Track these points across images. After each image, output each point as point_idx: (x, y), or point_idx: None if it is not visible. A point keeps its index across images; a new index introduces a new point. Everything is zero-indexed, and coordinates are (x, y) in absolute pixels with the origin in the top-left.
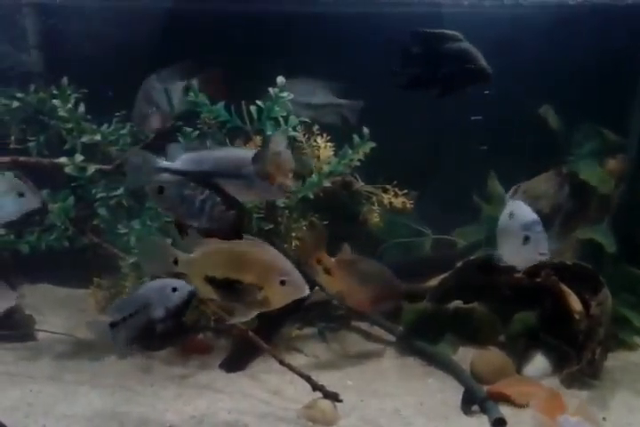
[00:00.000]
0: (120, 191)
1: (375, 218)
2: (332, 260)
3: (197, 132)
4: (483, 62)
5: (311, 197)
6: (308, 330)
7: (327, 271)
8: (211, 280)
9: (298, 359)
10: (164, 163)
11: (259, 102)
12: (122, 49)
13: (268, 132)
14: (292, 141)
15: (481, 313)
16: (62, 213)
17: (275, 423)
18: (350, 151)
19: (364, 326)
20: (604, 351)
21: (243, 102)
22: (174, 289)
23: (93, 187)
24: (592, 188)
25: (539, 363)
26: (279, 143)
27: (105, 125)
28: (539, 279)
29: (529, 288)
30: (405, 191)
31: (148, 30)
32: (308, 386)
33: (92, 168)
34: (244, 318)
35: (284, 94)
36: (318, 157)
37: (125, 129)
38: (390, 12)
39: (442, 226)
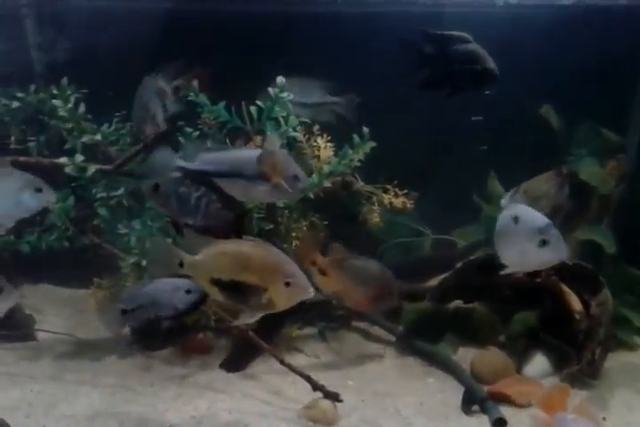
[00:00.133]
0: (120, 191)
1: (375, 218)
2: (327, 260)
3: (198, 133)
4: (490, 63)
5: (311, 197)
6: (308, 330)
7: (322, 272)
8: (216, 282)
9: (298, 359)
10: (182, 162)
11: (259, 102)
12: (120, 48)
13: (269, 133)
14: (293, 142)
15: (481, 313)
16: (63, 213)
17: (275, 423)
18: (350, 151)
19: (364, 326)
20: (603, 351)
21: (242, 103)
22: (188, 291)
23: (94, 187)
24: (592, 188)
25: (539, 363)
26: (273, 144)
27: (105, 125)
28: (539, 279)
29: (529, 288)
30: (405, 191)
31: (144, 29)
32: (308, 386)
33: (92, 168)
34: (249, 319)
35: (284, 94)
36: (318, 157)
37: (125, 129)
38: (389, 12)
39: (442, 226)
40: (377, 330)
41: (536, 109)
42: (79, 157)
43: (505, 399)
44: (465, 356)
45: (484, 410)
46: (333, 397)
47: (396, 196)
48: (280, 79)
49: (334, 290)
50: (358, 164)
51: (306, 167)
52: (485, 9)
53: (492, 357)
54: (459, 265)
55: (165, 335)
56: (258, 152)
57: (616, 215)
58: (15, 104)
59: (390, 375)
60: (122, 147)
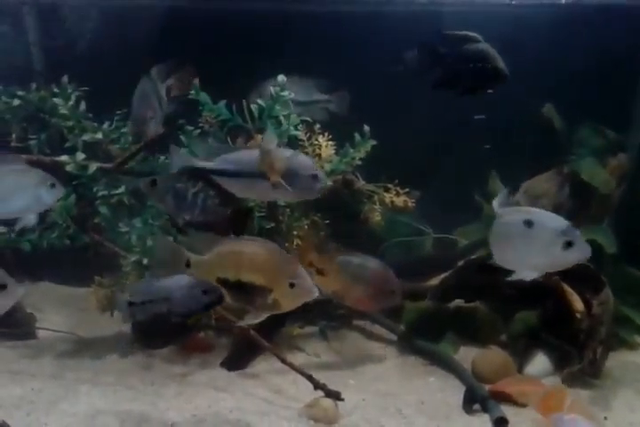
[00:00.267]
0: (121, 190)
1: (376, 217)
2: (324, 260)
3: (199, 131)
4: (500, 63)
5: None
6: (309, 329)
7: (320, 272)
8: (223, 282)
9: (299, 358)
10: (201, 163)
11: (260, 101)
12: (120, 46)
13: (269, 131)
14: (294, 140)
15: (482, 312)
16: (64, 212)
17: (276, 422)
18: (351, 150)
19: (365, 325)
20: (605, 351)
21: (242, 101)
22: (205, 291)
23: (94, 185)
24: (593, 187)
25: (540, 362)
26: (271, 143)
27: (106, 124)
28: (540, 279)
29: (530, 288)
30: (407, 190)
31: (144, 26)
32: (309, 385)
33: (93, 166)
34: (254, 320)
35: (285, 93)
36: (319, 156)
37: (126, 127)
38: (388, 11)
39: (443, 225)
40: (378, 329)
41: (538, 109)
42: (80, 156)
43: (506, 399)
44: (466, 355)
45: (485, 409)
46: (334, 396)
47: (398, 194)
48: (281, 77)
49: (333, 289)
50: (359, 162)
51: None
52: (487, 8)
53: (494, 356)
54: (460, 264)
55: (166, 334)
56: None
57: (617, 215)
58: (16, 102)
59: (391, 374)
60: (123, 145)
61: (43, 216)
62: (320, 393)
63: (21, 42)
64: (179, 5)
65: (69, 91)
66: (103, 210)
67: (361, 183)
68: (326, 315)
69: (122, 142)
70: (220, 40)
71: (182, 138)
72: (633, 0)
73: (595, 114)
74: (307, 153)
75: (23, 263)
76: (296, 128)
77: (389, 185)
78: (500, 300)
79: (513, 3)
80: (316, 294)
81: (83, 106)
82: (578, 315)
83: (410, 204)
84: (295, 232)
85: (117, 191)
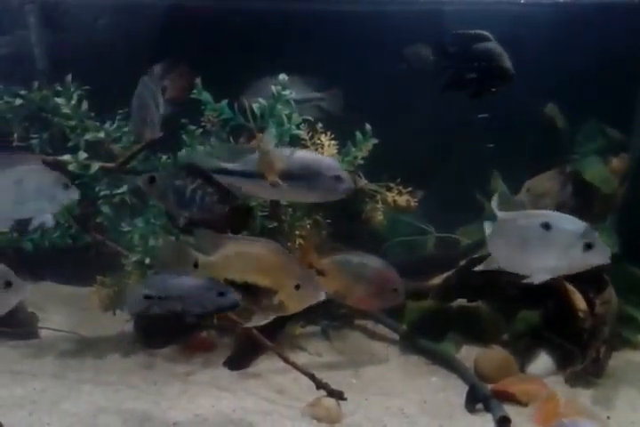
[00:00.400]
0: (123, 189)
1: (379, 216)
2: (323, 261)
3: (201, 131)
4: (506, 62)
5: None
6: (311, 328)
7: (320, 273)
8: (230, 283)
9: (301, 358)
10: (224, 164)
11: (261, 100)
12: (121, 45)
13: (269, 131)
14: (296, 139)
15: (484, 312)
16: (66, 211)
17: (279, 421)
18: (353, 149)
19: (367, 324)
20: (608, 350)
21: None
22: (221, 293)
23: (97, 184)
24: (595, 187)
25: (542, 362)
26: (269, 143)
27: (108, 123)
28: None
29: (533, 287)
30: (409, 189)
31: (145, 25)
32: (311, 384)
33: (95, 166)
34: (260, 321)
35: (286, 92)
36: None
37: (128, 127)
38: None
39: (445, 224)
40: (380, 328)
41: (540, 108)
42: (82, 155)
43: (508, 398)
44: (468, 354)
45: (487, 408)
46: (337, 395)
47: (400, 194)
48: (282, 76)
49: (334, 289)
50: (362, 161)
51: None
52: (489, 6)
53: (496, 355)
54: (462, 263)
55: (168, 333)
56: (303, 154)
57: (619, 214)
58: (18, 101)
59: (394, 374)
60: (125, 144)
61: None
62: (322, 393)
63: (23, 41)
64: (179, 4)
65: (72, 90)
66: (105, 209)
67: (363, 182)
68: (328, 314)
69: (124, 141)
70: (217, 38)
71: (184, 137)
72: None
73: (598, 113)
74: None
75: (25, 263)
76: (298, 127)
77: (392, 184)
78: (502, 299)
79: (521, 2)
80: (323, 297)
81: (85, 105)
82: (580, 314)
83: (412, 203)
84: (297, 232)
85: (119, 191)
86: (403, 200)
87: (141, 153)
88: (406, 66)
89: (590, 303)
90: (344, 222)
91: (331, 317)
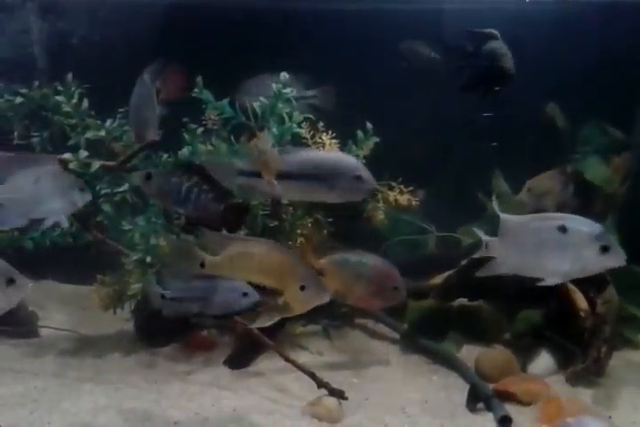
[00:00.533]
0: (124, 188)
1: (380, 215)
2: (321, 260)
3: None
4: (507, 62)
5: None
6: (311, 327)
7: (319, 273)
8: None
9: (302, 357)
10: (245, 165)
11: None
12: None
13: (273, 129)
14: (297, 138)
15: (486, 311)
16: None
17: (280, 420)
18: (355, 147)
19: (367, 323)
20: (609, 350)
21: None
22: (245, 294)
23: (97, 183)
24: (596, 186)
25: (544, 361)
26: (265, 142)
27: (109, 121)
28: None
29: (534, 286)
30: (411, 188)
31: (146, 24)
32: (312, 383)
33: (96, 164)
34: (266, 322)
35: (287, 90)
36: None
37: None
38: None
39: (447, 224)
40: (381, 328)
41: (542, 107)
42: (83, 153)
43: (510, 397)
44: (469, 354)
45: (489, 408)
46: (338, 394)
47: (401, 193)
48: (283, 75)
49: (334, 289)
50: (363, 160)
51: None
52: (491, 5)
53: (497, 355)
54: (463, 263)
55: (169, 332)
56: (324, 154)
57: (620, 214)
58: (19, 100)
59: (394, 373)
60: (126, 143)
61: None
62: (323, 392)
63: (23, 39)
64: (178, 2)
65: (72, 88)
66: (106, 208)
67: None
68: (329, 313)
69: (124, 140)
70: (211, 37)
71: (185, 136)
72: None
73: (599, 112)
74: None
75: (25, 261)
76: (299, 126)
77: (393, 183)
78: (503, 298)
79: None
80: (328, 298)
81: (85, 103)
82: (582, 314)
83: (414, 202)
84: (298, 231)
85: (120, 189)
86: (404, 199)
87: (142, 152)
88: (407, 64)
89: (591, 303)
90: (345, 221)
91: (331, 316)
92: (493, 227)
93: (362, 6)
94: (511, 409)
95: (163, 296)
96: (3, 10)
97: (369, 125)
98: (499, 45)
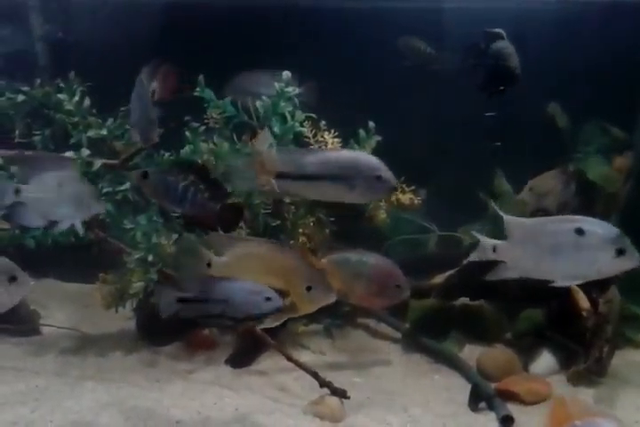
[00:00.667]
0: (126, 186)
1: (382, 215)
2: (322, 261)
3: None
4: (512, 62)
5: None
6: (313, 326)
7: None
8: None
9: (304, 356)
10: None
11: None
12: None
13: (275, 128)
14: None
15: (487, 311)
16: None
17: (282, 420)
18: (357, 146)
19: (369, 322)
20: (611, 349)
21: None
22: (268, 298)
23: (99, 182)
24: (598, 186)
25: (545, 361)
26: (262, 143)
27: (110, 120)
28: None
29: (536, 286)
30: (413, 188)
31: (146, 22)
32: (314, 382)
33: (98, 163)
34: (272, 323)
35: (290, 89)
36: None
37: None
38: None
39: (448, 223)
40: (383, 327)
41: (544, 107)
42: (85, 152)
43: (512, 397)
44: (471, 353)
45: (491, 407)
46: (340, 393)
47: (403, 192)
48: (285, 73)
49: (336, 289)
50: None
51: None
52: (494, 4)
53: (499, 354)
54: (465, 262)
55: (171, 331)
56: (343, 153)
57: (622, 214)
58: (20, 98)
59: (396, 372)
60: (127, 141)
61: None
62: (326, 391)
63: (25, 37)
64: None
65: (75, 86)
66: (108, 207)
67: None
68: (331, 313)
69: (126, 138)
70: (205, 36)
71: (187, 135)
72: None
73: (601, 111)
74: None
75: (27, 260)
76: (302, 125)
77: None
78: (505, 298)
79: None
80: (334, 298)
81: (87, 102)
82: (584, 313)
83: (416, 201)
84: (300, 230)
85: (122, 188)
86: (406, 198)
87: (144, 151)
88: (409, 63)
89: (593, 302)
90: (347, 220)
91: (333, 315)
92: (495, 227)
93: (357, 4)
94: (513, 409)
95: (180, 298)
96: (4, 8)
97: (371, 124)
98: (505, 45)
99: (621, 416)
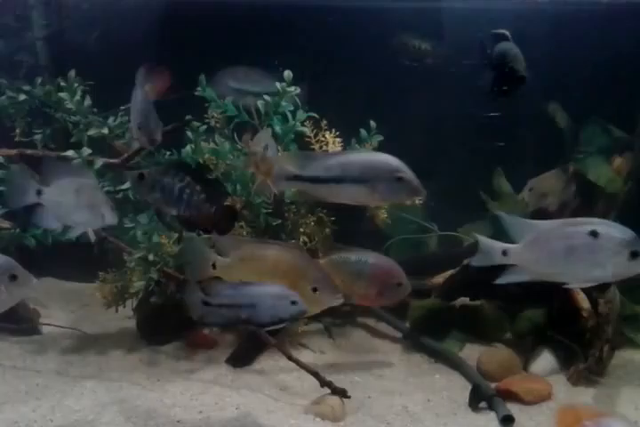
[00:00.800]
0: (126, 185)
1: (382, 214)
2: (322, 262)
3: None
4: (517, 64)
5: None
6: (313, 326)
7: None
8: None
9: (304, 355)
10: (292, 170)
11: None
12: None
13: (277, 127)
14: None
15: (488, 310)
16: None
17: (283, 419)
18: (358, 146)
19: (370, 322)
20: (611, 349)
21: None
22: (293, 302)
23: (100, 180)
24: (599, 186)
25: (545, 360)
26: (258, 143)
27: (111, 119)
28: None
29: (536, 286)
30: None
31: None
32: (314, 382)
33: (99, 162)
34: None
35: (292, 89)
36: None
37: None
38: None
39: (450, 223)
40: (383, 326)
41: (544, 107)
42: (86, 151)
43: (512, 396)
44: (471, 353)
45: (491, 407)
46: (341, 393)
47: None
48: (287, 73)
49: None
50: None
51: None
52: (497, 4)
53: (499, 354)
54: (465, 262)
55: (171, 330)
56: (369, 155)
57: (623, 214)
58: (22, 97)
59: (397, 372)
60: (128, 140)
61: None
62: (326, 390)
63: (25, 35)
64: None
65: (76, 85)
66: None
67: None
68: (331, 312)
69: (127, 137)
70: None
71: (188, 134)
72: None
73: (603, 111)
74: (313, 149)
75: (27, 259)
76: (303, 124)
77: None
78: (505, 298)
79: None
80: (341, 300)
81: (88, 101)
82: (584, 313)
83: (417, 201)
84: (301, 229)
85: (123, 187)
86: None
87: (145, 150)
88: (405, 59)
89: (594, 302)
90: (348, 220)
91: (333, 314)
92: (495, 227)
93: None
94: (513, 408)
95: (206, 303)
96: (5, 6)
97: (372, 124)
98: (510, 46)
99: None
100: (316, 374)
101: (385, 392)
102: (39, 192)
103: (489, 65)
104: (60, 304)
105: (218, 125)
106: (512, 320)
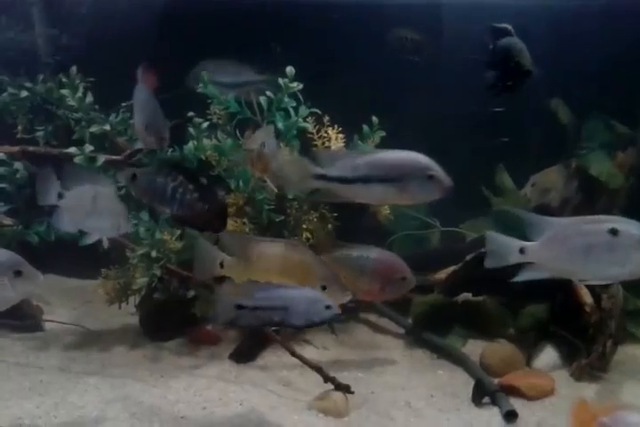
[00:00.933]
0: None
1: (385, 210)
2: (324, 258)
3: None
4: (522, 59)
5: None
6: None
7: None
8: None
9: (307, 351)
10: (319, 169)
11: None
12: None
13: (279, 124)
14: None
15: (490, 306)
16: None
17: (286, 415)
18: (361, 142)
19: (372, 318)
20: (614, 344)
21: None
22: (328, 307)
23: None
24: (601, 182)
25: (548, 356)
26: (255, 140)
27: (113, 115)
28: None
29: (539, 281)
30: None
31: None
32: (318, 378)
33: (101, 158)
34: None
35: (294, 84)
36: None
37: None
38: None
39: (452, 219)
40: (386, 322)
41: (547, 102)
42: (88, 147)
43: (515, 392)
44: (474, 349)
45: (494, 402)
46: (344, 388)
47: None
48: (290, 69)
49: None
50: None
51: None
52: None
53: (502, 349)
54: (468, 258)
55: (174, 326)
56: (395, 154)
57: (625, 209)
58: (24, 94)
59: (400, 367)
60: (130, 137)
61: (50, 209)
62: (330, 386)
63: (27, 32)
64: None
65: (77, 82)
66: None
67: None
68: None
69: (129, 134)
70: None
71: (191, 131)
72: None
73: (606, 107)
74: (316, 146)
75: (30, 255)
76: (305, 120)
77: None
78: (508, 293)
79: None
80: (349, 297)
81: (90, 97)
82: (587, 308)
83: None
84: (304, 225)
85: (125, 184)
86: None
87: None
88: (395, 51)
89: (597, 298)
90: (350, 216)
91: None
92: (498, 223)
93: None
94: (516, 403)
95: (240, 306)
96: (6, 3)
97: (374, 119)
98: (514, 41)
99: None
100: (319, 370)
101: (388, 388)
102: (60, 195)
103: (490, 60)
104: (62, 301)
105: (220, 122)
106: (515, 316)
